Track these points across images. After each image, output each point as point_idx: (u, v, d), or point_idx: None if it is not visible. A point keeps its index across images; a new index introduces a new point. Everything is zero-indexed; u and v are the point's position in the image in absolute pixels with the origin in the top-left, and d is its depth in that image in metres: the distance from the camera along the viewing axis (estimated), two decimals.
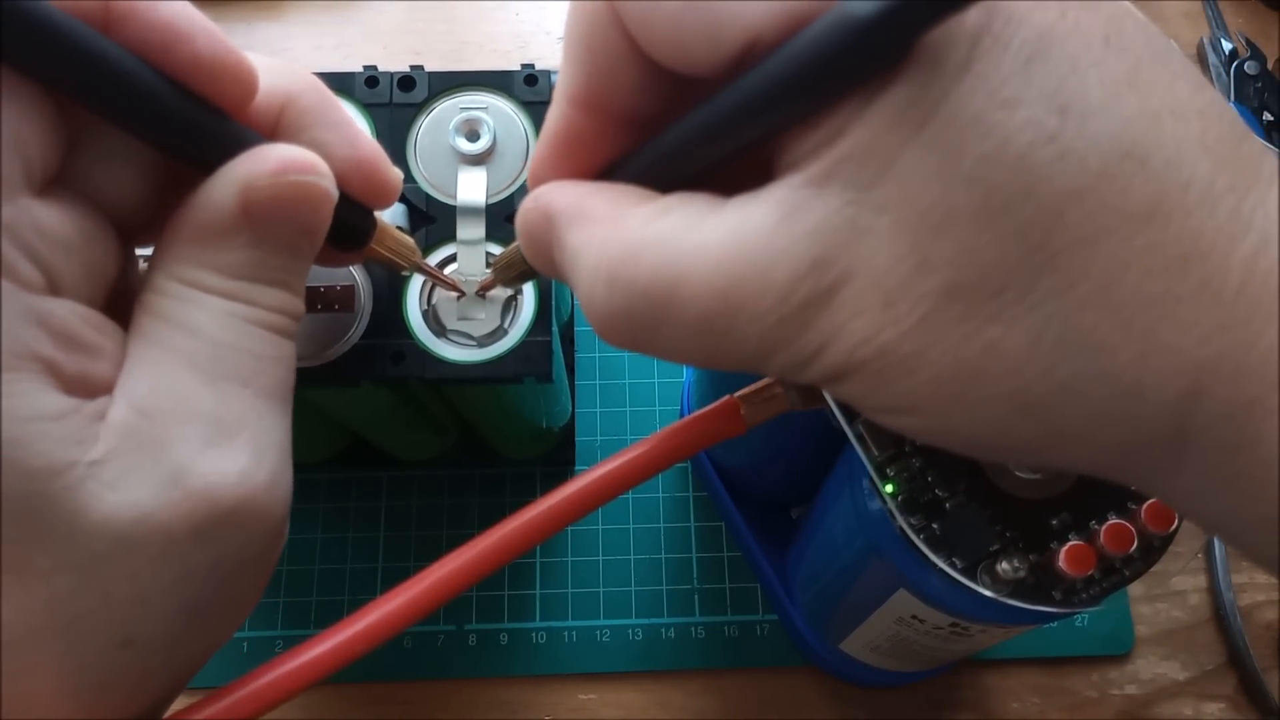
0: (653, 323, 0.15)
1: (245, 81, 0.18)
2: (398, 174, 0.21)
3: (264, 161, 0.17)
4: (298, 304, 0.19)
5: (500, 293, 0.25)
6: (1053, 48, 0.13)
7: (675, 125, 0.16)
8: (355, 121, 0.20)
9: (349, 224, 0.20)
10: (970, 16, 0.13)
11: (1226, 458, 0.13)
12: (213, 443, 0.16)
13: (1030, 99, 0.13)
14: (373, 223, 0.21)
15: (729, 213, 0.15)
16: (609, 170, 0.17)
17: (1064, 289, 0.13)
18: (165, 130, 0.17)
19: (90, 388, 0.16)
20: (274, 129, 0.19)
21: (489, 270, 0.25)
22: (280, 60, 0.19)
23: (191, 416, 0.16)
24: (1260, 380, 0.13)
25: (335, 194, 0.18)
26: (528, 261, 0.18)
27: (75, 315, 0.16)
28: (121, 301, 0.18)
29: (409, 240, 0.22)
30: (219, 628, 0.18)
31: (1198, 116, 0.13)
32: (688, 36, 0.14)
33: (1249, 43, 0.47)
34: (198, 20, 0.17)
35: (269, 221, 0.17)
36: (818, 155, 0.14)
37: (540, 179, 0.18)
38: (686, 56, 0.14)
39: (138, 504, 0.15)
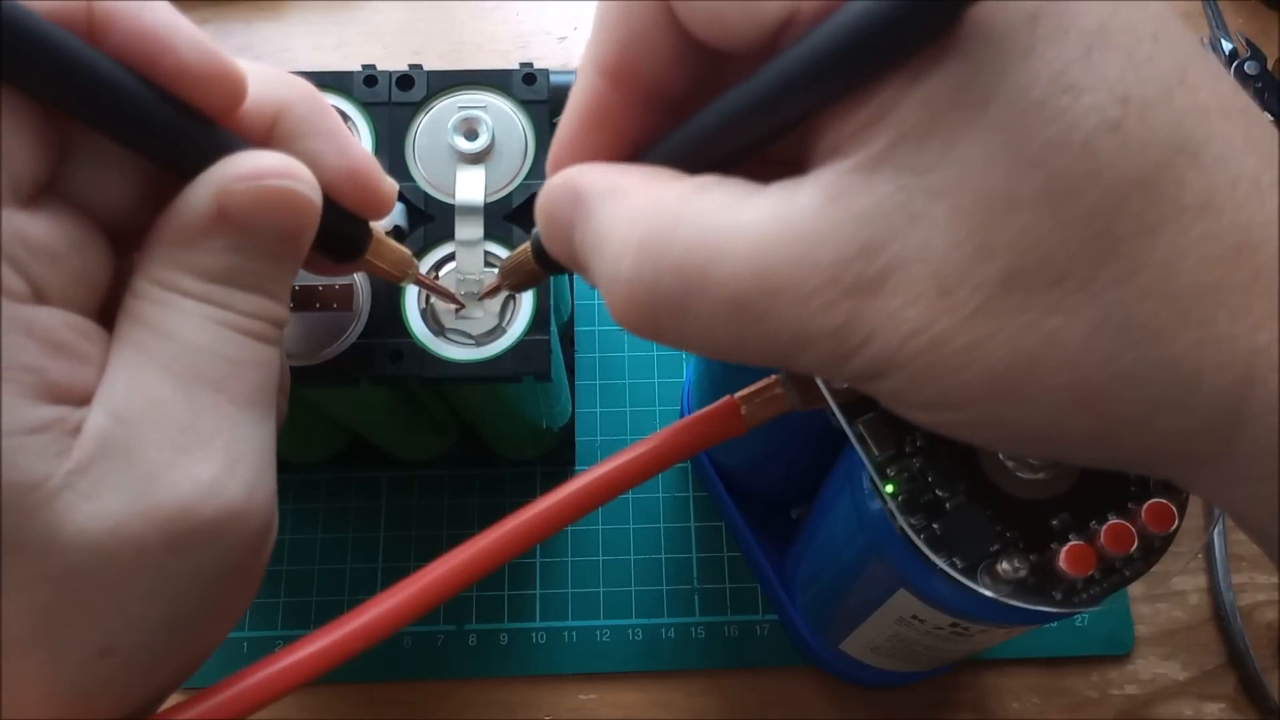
0: (681, 300, 0.14)
1: (232, 88, 0.17)
2: (392, 184, 0.20)
3: (240, 165, 0.17)
4: (279, 310, 0.18)
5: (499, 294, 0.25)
6: (1110, 39, 0.13)
7: (712, 105, 0.15)
8: (350, 133, 0.20)
9: (342, 234, 0.20)
10: (1028, 1, 0.13)
11: (1277, 445, 0.13)
12: (185, 449, 0.16)
13: (1093, 86, 0.13)
14: (367, 233, 0.21)
15: (772, 194, 0.14)
16: (637, 155, 0.17)
17: (1126, 276, 0.13)
18: (150, 139, 0.17)
19: (78, 395, 0.16)
20: (267, 137, 0.19)
21: (493, 274, 0.25)
22: (276, 69, 0.19)
23: (164, 422, 0.16)
24: None
25: (318, 201, 0.18)
26: (543, 247, 0.18)
27: (62, 323, 0.16)
28: (116, 308, 0.18)
29: (405, 252, 0.22)
30: (206, 634, 0.18)
31: (1241, 114, 0.14)
32: (727, 4, 0.14)
33: (1249, 43, 0.47)
34: (182, 27, 0.17)
35: (246, 226, 0.17)
36: (867, 137, 0.13)
37: (561, 156, 0.17)
38: (724, 26, 0.14)
39: (110, 514, 0.15)
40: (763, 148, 0.15)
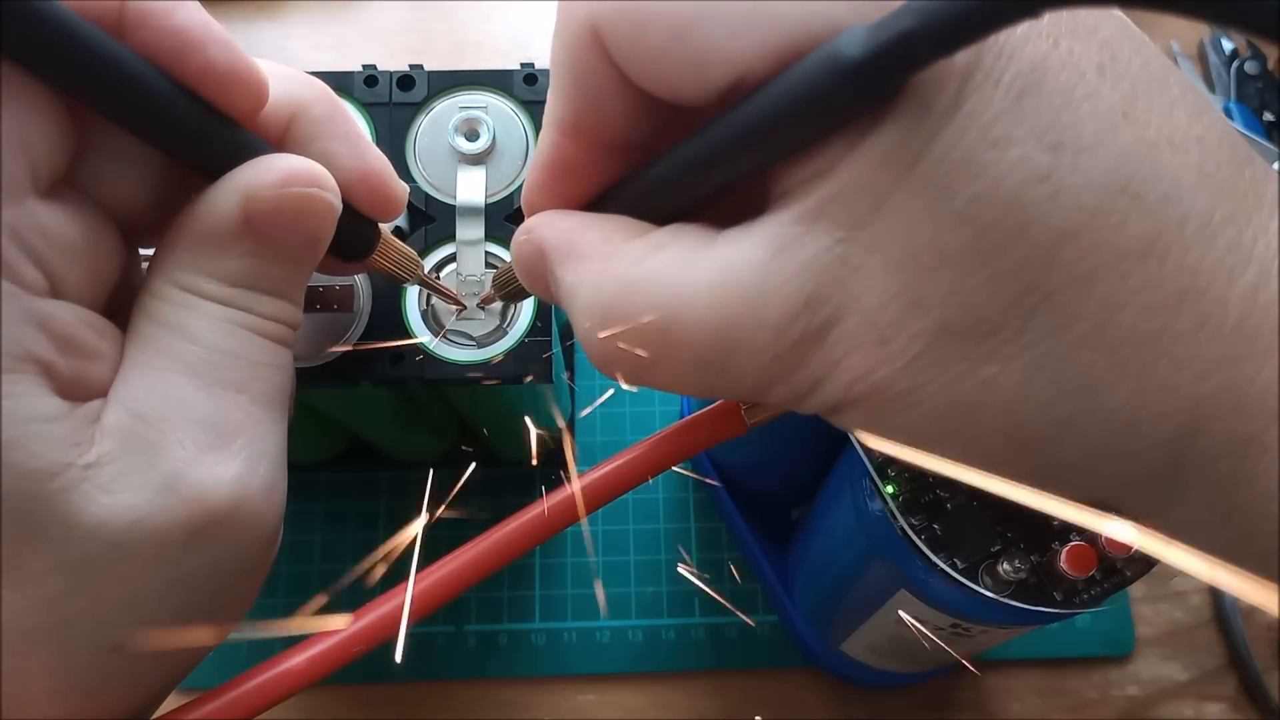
0: (649, 361, 0.15)
1: (256, 91, 0.17)
2: (403, 187, 0.21)
3: (267, 172, 0.17)
4: (296, 313, 0.19)
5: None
6: (1045, 81, 0.13)
7: (663, 158, 0.16)
8: (365, 134, 0.20)
9: (353, 235, 0.20)
10: (961, 54, 0.12)
11: (1224, 492, 0.13)
12: (208, 448, 0.16)
13: (1021, 137, 0.12)
14: (377, 234, 0.21)
15: (720, 249, 0.15)
16: (600, 199, 0.17)
17: (1058, 329, 0.13)
18: (174, 137, 0.17)
19: (86, 390, 0.16)
20: (283, 137, 0.19)
21: (489, 282, 0.25)
22: (293, 69, 0.19)
23: (187, 421, 0.16)
24: (1259, 415, 0.13)
25: (339, 207, 0.18)
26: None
27: (75, 318, 0.16)
28: (123, 301, 0.18)
29: (411, 252, 0.22)
30: (210, 633, 0.18)
31: (1196, 144, 0.13)
32: (673, 70, 0.14)
33: (1249, 43, 0.47)
34: (212, 28, 0.17)
35: (270, 232, 0.17)
36: (807, 191, 0.14)
37: (533, 206, 0.18)
38: (673, 89, 0.14)
39: (132, 508, 0.15)
40: (716, 197, 0.15)
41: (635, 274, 0.15)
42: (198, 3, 0.17)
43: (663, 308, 0.15)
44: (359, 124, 0.26)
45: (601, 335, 0.16)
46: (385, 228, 0.22)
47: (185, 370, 0.17)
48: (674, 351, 0.15)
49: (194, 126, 0.17)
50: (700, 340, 0.15)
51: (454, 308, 0.25)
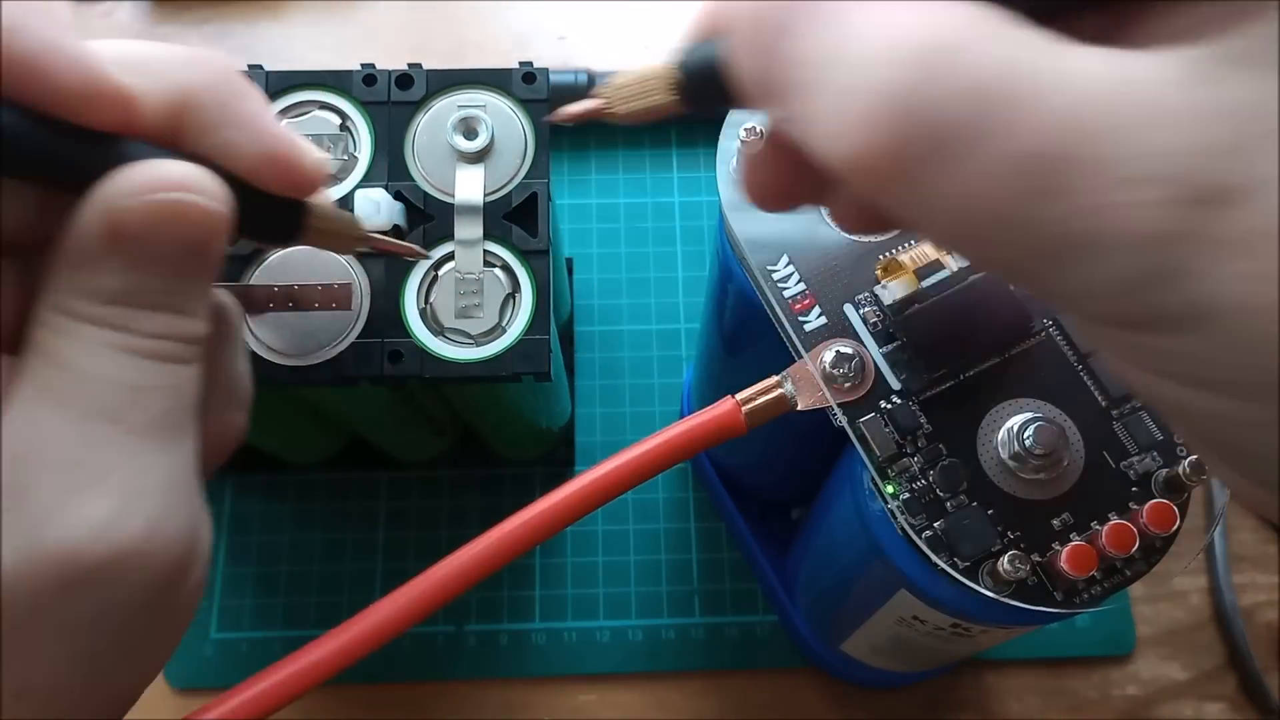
0: (949, 140, 0.11)
1: (119, 103, 0.16)
2: (319, 158, 0.19)
3: (127, 181, 0.16)
4: (190, 326, 0.17)
5: (497, 289, 0.25)
6: None
7: None
8: (267, 111, 0.18)
9: (271, 218, 0.19)
10: None
11: None
12: (73, 488, 0.15)
13: None
14: (301, 211, 0.20)
15: (1107, 52, 0.11)
16: None
17: None
18: (34, 168, 0.16)
19: None
20: (176, 133, 0.17)
21: (493, 273, 0.25)
22: (185, 49, 0.18)
23: (55, 461, 0.15)
24: None
25: (221, 208, 0.17)
26: (699, 69, 0.15)
27: None
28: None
29: (350, 216, 0.21)
30: (132, 667, 0.17)
31: None
32: None
33: None
34: (61, 49, 0.15)
35: (141, 243, 0.16)
36: (1237, 28, 0.11)
37: None
38: None
39: (3, 562, 0.15)
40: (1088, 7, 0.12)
41: (970, 27, 0.12)
42: (43, 22, 0.15)
43: (1008, 76, 0.11)
44: (355, 123, 0.26)
45: (893, 94, 0.12)
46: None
47: (54, 401, 0.16)
48: (1000, 138, 0.11)
49: (51, 152, 0.16)
50: (1052, 133, 0.11)
51: (453, 305, 0.25)
